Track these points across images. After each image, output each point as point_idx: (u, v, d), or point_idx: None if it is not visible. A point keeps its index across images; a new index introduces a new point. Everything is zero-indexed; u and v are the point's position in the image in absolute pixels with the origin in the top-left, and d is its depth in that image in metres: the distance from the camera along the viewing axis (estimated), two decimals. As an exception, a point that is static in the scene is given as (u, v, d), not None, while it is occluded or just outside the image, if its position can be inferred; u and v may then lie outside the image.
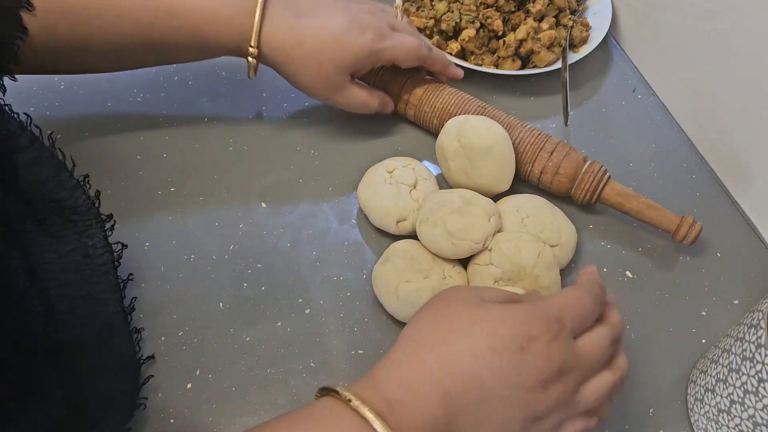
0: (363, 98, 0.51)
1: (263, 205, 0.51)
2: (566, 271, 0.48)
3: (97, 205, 0.39)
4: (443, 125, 0.51)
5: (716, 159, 0.54)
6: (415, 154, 0.55)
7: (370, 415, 0.28)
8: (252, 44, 0.47)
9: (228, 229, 0.49)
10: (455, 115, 0.53)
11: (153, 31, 0.46)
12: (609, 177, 0.50)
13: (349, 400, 0.29)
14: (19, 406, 0.30)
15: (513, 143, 0.50)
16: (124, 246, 0.41)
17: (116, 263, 0.40)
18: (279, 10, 0.47)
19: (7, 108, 0.36)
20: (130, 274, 0.42)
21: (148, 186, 0.52)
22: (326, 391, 0.31)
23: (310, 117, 0.58)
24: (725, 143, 0.53)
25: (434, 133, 0.54)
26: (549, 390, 0.31)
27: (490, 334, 0.30)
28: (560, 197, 0.51)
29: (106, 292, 0.39)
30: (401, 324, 0.44)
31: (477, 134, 0.47)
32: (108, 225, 0.40)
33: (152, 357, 0.42)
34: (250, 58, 0.48)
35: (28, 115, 0.37)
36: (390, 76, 0.55)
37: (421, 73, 0.56)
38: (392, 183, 0.48)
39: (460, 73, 0.55)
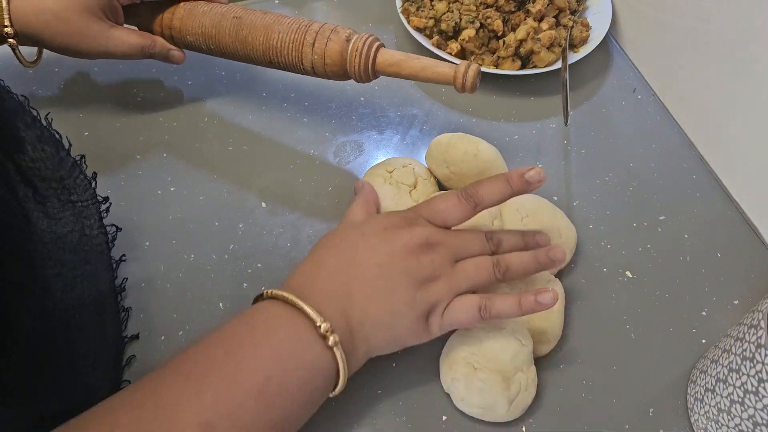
0: (132, 40, 0.50)
1: (263, 204, 0.51)
2: (566, 271, 0.48)
3: (93, 185, 0.41)
4: (216, 49, 0.52)
5: (716, 159, 0.54)
6: (415, 153, 0.55)
7: (275, 291, 0.35)
8: (5, 24, 0.45)
9: (228, 229, 0.49)
10: (215, 37, 0.51)
11: None
12: (378, 47, 0.48)
13: (267, 292, 0.35)
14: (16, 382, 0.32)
15: (276, 47, 0.49)
16: (119, 229, 0.44)
17: (110, 244, 0.42)
18: None
19: (8, 88, 0.38)
20: (123, 255, 0.44)
21: (148, 186, 0.52)
22: (255, 299, 0.37)
23: (310, 117, 0.58)
24: (725, 143, 0.53)
25: (222, 54, 0.54)
26: (421, 256, 0.37)
27: (362, 225, 0.40)
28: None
29: (101, 271, 0.41)
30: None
31: (465, 163, 0.46)
32: (104, 207, 0.42)
33: (137, 336, 0.43)
34: (10, 40, 0.46)
35: (25, 97, 0.39)
36: (147, 13, 0.54)
37: (179, 3, 0.54)
38: (392, 183, 0.48)
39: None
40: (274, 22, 0.50)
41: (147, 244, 0.48)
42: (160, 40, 0.53)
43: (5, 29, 0.45)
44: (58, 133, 0.40)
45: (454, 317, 0.38)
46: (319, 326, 0.33)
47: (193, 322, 0.44)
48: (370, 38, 0.48)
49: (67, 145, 0.40)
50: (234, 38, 0.51)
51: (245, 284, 0.46)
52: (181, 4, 0.54)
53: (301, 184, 0.53)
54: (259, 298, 0.37)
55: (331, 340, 0.33)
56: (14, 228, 0.34)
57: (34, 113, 0.39)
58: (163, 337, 0.43)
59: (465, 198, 0.40)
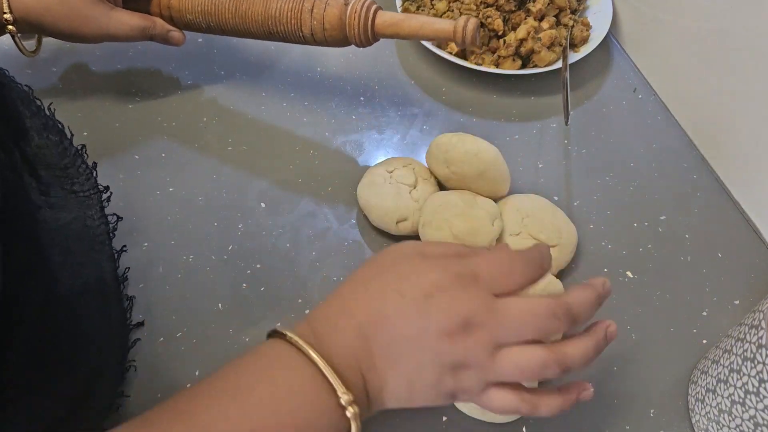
0: (134, 21, 0.51)
1: (263, 205, 0.51)
2: (566, 272, 0.47)
3: (94, 175, 0.42)
4: (216, 26, 0.52)
5: (717, 159, 0.54)
6: (415, 153, 0.55)
7: (300, 342, 0.31)
8: (5, 10, 0.45)
9: (227, 230, 0.49)
10: (215, 14, 0.52)
11: None
12: (376, 9, 0.49)
13: (285, 335, 0.31)
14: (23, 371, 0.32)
15: (275, 17, 0.50)
16: (119, 218, 0.44)
17: (111, 234, 0.42)
18: None
19: (13, 78, 0.38)
20: (124, 246, 0.44)
21: (147, 186, 0.52)
22: (271, 334, 0.33)
23: (310, 117, 0.58)
24: (726, 143, 0.53)
25: (217, 33, 0.55)
26: (455, 340, 0.31)
27: (400, 280, 0.32)
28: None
29: (104, 260, 0.40)
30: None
31: (466, 163, 0.46)
32: (105, 196, 0.42)
33: (141, 323, 0.43)
34: (9, 27, 0.46)
35: (29, 87, 0.39)
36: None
37: None
38: (392, 183, 0.48)
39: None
40: None
41: (146, 244, 0.48)
42: (159, 21, 0.53)
43: (5, 15, 0.45)
44: (60, 123, 0.40)
45: (489, 408, 0.33)
46: (341, 398, 0.30)
47: (192, 324, 0.44)
48: (368, 1, 0.48)
49: (69, 135, 0.40)
50: (233, 13, 0.52)
51: (244, 285, 0.46)
52: None
53: (301, 184, 0.52)
54: (275, 334, 0.33)
55: (350, 412, 0.30)
56: (22, 214, 0.34)
57: (39, 103, 0.39)
58: (162, 339, 0.43)
59: (529, 265, 0.33)
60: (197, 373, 0.42)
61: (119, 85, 0.59)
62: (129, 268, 0.44)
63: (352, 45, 0.51)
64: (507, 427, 0.40)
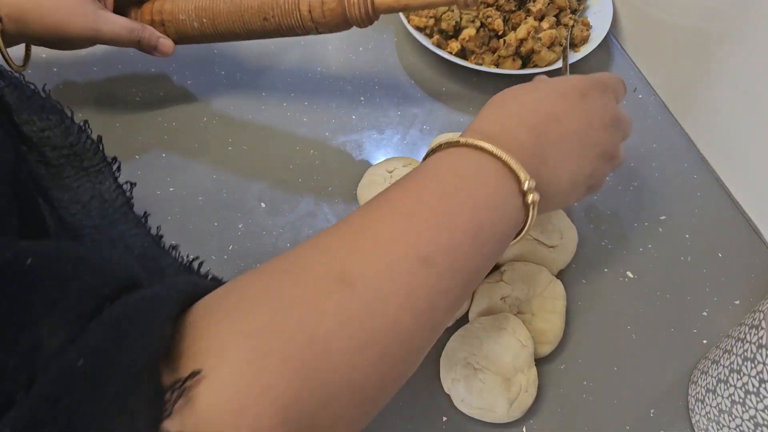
0: (123, 22, 0.50)
1: (263, 205, 0.51)
2: (566, 272, 0.47)
3: (101, 148, 0.41)
4: (209, 23, 0.52)
5: (717, 159, 0.54)
6: (415, 153, 0.55)
7: (476, 141, 0.33)
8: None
9: (227, 230, 0.49)
10: (208, 8, 0.51)
11: None
12: None
13: (458, 142, 0.34)
14: None
15: (270, 5, 0.49)
16: (133, 184, 0.42)
17: (131, 202, 0.41)
18: None
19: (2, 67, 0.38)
20: (145, 212, 0.42)
21: (147, 186, 0.52)
22: (432, 151, 0.35)
23: (309, 116, 0.58)
24: (726, 143, 0.53)
25: (208, 35, 0.54)
26: (610, 133, 0.38)
27: (557, 86, 0.38)
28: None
29: (133, 229, 0.40)
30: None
31: None
32: (114, 166, 0.41)
33: (200, 261, 0.41)
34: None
35: (22, 75, 0.39)
36: (137, 6, 0.54)
37: None
38: (392, 183, 0.48)
39: None
40: None
41: (160, 225, 0.48)
42: (149, 27, 0.53)
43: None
44: (58, 102, 0.40)
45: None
46: (524, 183, 0.32)
47: (192, 323, 0.44)
48: None
49: (69, 113, 0.40)
50: (229, 4, 0.51)
51: (426, 153, 0.46)
52: None
53: (301, 184, 0.52)
54: (439, 148, 0.35)
55: (530, 198, 0.33)
56: (38, 218, 0.33)
57: (32, 87, 0.39)
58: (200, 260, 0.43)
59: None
60: (197, 373, 0.42)
61: (119, 86, 0.59)
62: (160, 226, 0.42)
63: (352, 26, 0.50)
64: (507, 427, 0.40)
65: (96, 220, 0.37)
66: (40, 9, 0.47)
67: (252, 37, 0.53)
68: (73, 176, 0.38)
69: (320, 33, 0.51)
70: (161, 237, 0.42)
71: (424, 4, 0.48)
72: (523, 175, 0.32)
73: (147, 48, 0.53)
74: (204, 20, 0.53)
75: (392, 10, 0.48)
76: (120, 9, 0.53)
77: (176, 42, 0.54)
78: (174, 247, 0.42)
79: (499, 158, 0.33)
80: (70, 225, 0.36)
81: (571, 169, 0.36)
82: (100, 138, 0.41)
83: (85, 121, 0.41)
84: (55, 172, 0.37)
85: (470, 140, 0.33)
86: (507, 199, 0.32)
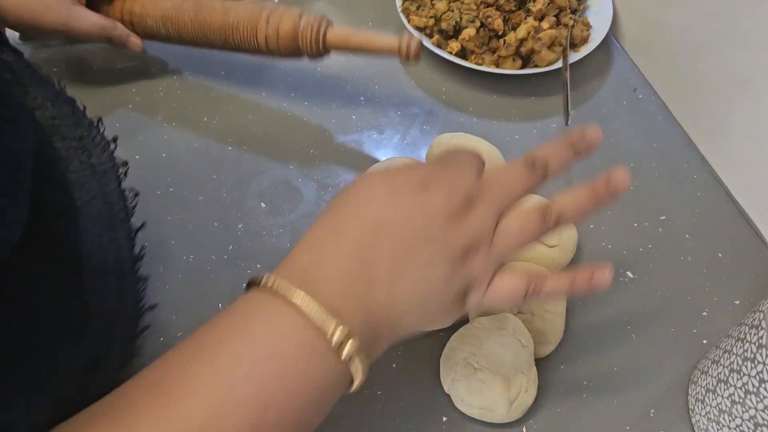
0: (95, 19, 0.52)
1: (263, 205, 0.51)
2: (567, 272, 0.47)
3: (113, 147, 0.40)
4: (174, 32, 0.54)
5: (717, 158, 0.54)
6: (415, 153, 0.55)
7: (274, 281, 0.28)
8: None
9: (227, 229, 0.49)
10: (174, 18, 0.54)
11: None
12: (328, 23, 0.52)
13: (260, 281, 0.29)
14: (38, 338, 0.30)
15: (232, 24, 0.52)
16: (137, 193, 0.41)
17: (131, 212, 0.40)
18: None
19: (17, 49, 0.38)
20: (144, 223, 0.41)
21: (147, 186, 0.51)
22: (249, 284, 0.30)
23: (309, 116, 0.58)
24: (726, 143, 0.53)
25: (174, 41, 0.56)
26: (461, 221, 0.30)
27: (386, 183, 0.31)
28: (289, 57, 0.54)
29: (122, 239, 0.39)
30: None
31: None
32: (122, 171, 0.40)
33: (154, 306, 0.41)
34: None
35: (36, 63, 0.39)
36: (107, 3, 0.55)
37: None
38: (392, 183, 0.48)
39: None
40: (232, 4, 0.54)
41: (146, 244, 0.48)
42: (120, 24, 0.54)
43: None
44: (71, 96, 0.40)
45: (497, 298, 0.31)
46: (331, 337, 0.26)
47: (192, 323, 0.44)
48: (321, 15, 0.52)
49: (82, 107, 0.39)
50: (193, 19, 0.54)
51: (245, 285, 0.46)
52: None
53: (301, 184, 0.52)
54: (254, 284, 0.30)
55: (346, 350, 0.27)
56: (54, 169, 0.33)
57: (47, 75, 0.39)
58: (162, 339, 0.43)
59: (530, 168, 0.33)
60: (197, 373, 0.42)
61: (119, 85, 0.59)
62: (146, 244, 0.42)
63: (305, 57, 0.53)
64: (508, 428, 0.40)
65: (91, 221, 0.36)
66: (14, 1, 0.48)
67: (215, 49, 0.56)
68: (79, 171, 0.37)
69: (276, 57, 0.55)
70: (141, 257, 0.40)
71: (370, 49, 0.51)
72: (327, 325, 0.26)
73: (117, 45, 0.55)
74: (170, 29, 0.55)
75: (341, 49, 0.52)
76: (92, 3, 0.55)
77: (144, 39, 0.57)
78: (144, 279, 0.41)
79: (298, 310, 0.27)
80: (73, 205, 0.35)
81: (413, 281, 0.29)
82: (115, 138, 0.41)
83: (99, 119, 0.40)
84: (62, 164, 0.36)
85: (267, 278, 0.28)
86: (311, 360, 0.26)
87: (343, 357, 0.27)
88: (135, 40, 0.55)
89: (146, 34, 0.56)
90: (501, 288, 0.31)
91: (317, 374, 0.27)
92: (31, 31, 0.52)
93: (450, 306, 0.30)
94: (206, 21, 0.54)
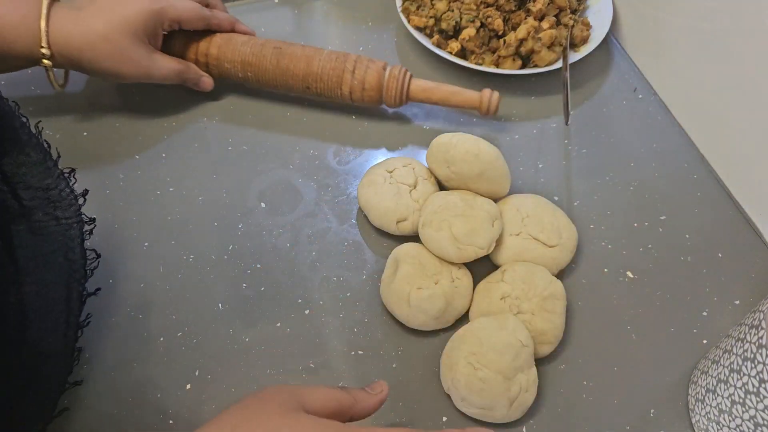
0: (172, 65, 0.53)
1: (262, 205, 0.51)
2: (566, 272, 0.47)
3: (81, 202, 0.39)
4: (253, 77, 0.55)
5: (717, 159, 0.54)
6: (415, 154, 0.55)
7: None
8: (42, 45, 0.46)
9: (227, 229, 0.49)
10: (254, 64, 0.55)
11: None
12: (411, 76, 0.54)
13: None
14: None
15: (316, 74, 0.54)
16: (98, 255, 0.41)
17: (88, 272, 0.39)
18: (63, 10, 0.47)
19: None
20: (98, 288, 0.41)
21: (147, 186, 0.52)
22: None
23: (310, 116, 0.58)
24: (726, 143, 0.53)
25: (251, 83, 0.57)
26: None
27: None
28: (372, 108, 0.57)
29: (74, 300, 0.38)
30: (402, 325, 0.44)
31: (467, 163, 0.46)
32: (88, 228, 0.39)
33: (79, 383, 0.40)
34: (44, 61, 0.46)
35: (16, 103, 0.38)
36: (183, 41, 0.56)
37: (215, 34, 0.56)
38: (392, 183, 0.48)
39: (251, 30, 0.57)
40: (315, 53, 0.54)
41: (146, 244, 0.48)
42: (193, 66, 0.55)
43: (41, 50, 0.45)
44: (47, 142, 0.38)
45: None
46: None
47: (192, 323, 0.44)
48: (404, 68, 0.54)
49: (55, 156, 0.38)
50: (275, 66, 0.54)
51: (245, 285, 0.46)
52: (218, 34, 0.56)
53: (301, 184, 0.52)
54: None
55: None
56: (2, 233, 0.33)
57: (24, 119, 0.38)
58: (162, 338, 0.43)
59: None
60: (197, 372, 0.42)
61: (120, 85, 0.59)
62: (91, 314, 0.41)
63: (382, 105, 0.56)
64: (508, 428, 0.40)
65: (48, 273, 0.36)
66: (92, 53, 0.48)
67: (293, 94, 0.57)
68: (43, 220, 0.36)
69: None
70: (85, 325, 0.40)
71: (451, 104, 0.54)
72: None
73: (189, 85, 0.56)
74: (249, 74, 0.55)
75: (422, 102, 0.55)
76: (167, 45, 0.55)
77: (219, 78, 0.57)
78: (79, 350, 0.40)
79: None
80: (22, 269, 0.34)
81: None
82: (85, 192, 0.40)
83: (72, 169, 0.40)
84: (24, 212, 0.36)
85: None
86: None
87: None
88: (207, 80, 0.56)
89: (221, 75, 0.57)
90: None
91: None
92: (106, 79, 0.52)
93: None
94: (288, 68, 0.54)
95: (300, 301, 0.46)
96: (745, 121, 0.50)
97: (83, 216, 0.39)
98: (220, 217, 0.50)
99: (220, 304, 0.45)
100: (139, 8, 0.49)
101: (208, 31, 0.56)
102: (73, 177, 0.39)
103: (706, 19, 0.52)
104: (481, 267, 0.46)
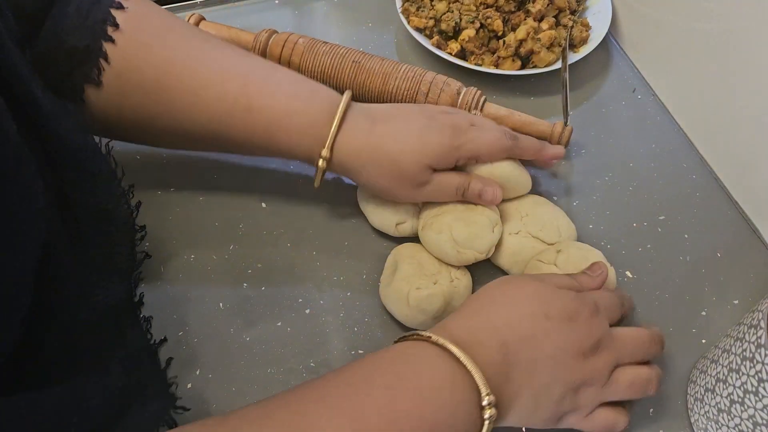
0: (453, 181, 0.45)
1: (263, 205, 0.51)
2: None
3: (135, 215, 0.43)
4: (331, 85, 0.53)
5: (716, 159, 0.54)
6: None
7: (447, 343, 0.33)
8: (324, 152, 0.43)
9: (228, 229, 0.49)
10: (333, 78, 0.54)
11: (225, 125, 0.43)
12: (485, 100, 0.53)
13: (429, 337, 0.34)
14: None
15: (391, 93, 0.53)
16: (148, 256, 0.45)
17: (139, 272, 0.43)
18: (357, 119, 0.44)
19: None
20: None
21: (147, 186, 0.52)
22: (403, 338, 0.36)
23: (310, 117, 0.58)
24: (725, 143, 0.53)
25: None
26: (587, 360, 0.36)
27: (547, 304, 0.37)
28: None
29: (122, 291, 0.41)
30: (402, 325, 0.44)
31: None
32: (138, 236, 0.43)
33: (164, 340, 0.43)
34: (320, 162, 0.43)
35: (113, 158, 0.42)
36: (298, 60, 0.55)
37: (298, 39, 0.56)
38: (392, 183, 0.48)
39: (561, 151, 0.50)
40: (392, 70, 0.54)
41: (147, 244, 0.48)
42: (474, 177, 0.46)
43: (321, 151, 0.43)
44: (115, 160, 0.42)
45: (592, 427, 0.37)
46: (484, 399, 0.32)
47: (192, 323, 0.44)
48: (478, 92, 0.53)
49: (121, 174, 0.41)
50: (352, 80, 0.54)
51: (245, 284, 0.46)
52: (300, 39, 0.55)
53: (302, 185, 0.52)
54: (406, 338, 0.36)
55: (487, 413, 0.33)
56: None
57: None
58: (163, 338, 0.43)
59: (659, 341, 0.40)
60: (197, 372, 0.42)
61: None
62: (147, 244, 0.45)
63: None
64: (507, 427, 0.40)
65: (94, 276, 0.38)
66: (375, 170, 0.44)
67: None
68: (91, 230, 0.39)
69: None
70: (142, 303, 0.44)
71: (524, 133, 0.51)
72: (484, 390, 0.33)
73: (470, 199, 0.46)
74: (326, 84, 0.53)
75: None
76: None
77: None
78: (147, 319, 0.44)
79: (464, 367, 0.33)
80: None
81: (534, 393, 0.35)
82: (139, 204, 0.44)
83: (131, 186, 0.43)
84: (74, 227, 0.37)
85: (441, 341, 0.34)
86: (463, 408, 0.33)
87: (486, 416, 0.33)
88: (491, 191, 0.45)
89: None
90: (599, 420, 0.37)
91: (464, 420, 0.33)
92: (377, 193, 0.47)
93: (549, 419, 0.36)
94: (365, 84, 0.54)
95: (300, 300, 0.46)
96: (744, 122, 0.50)
97: (136, 226, 0.43)
98: (221, 216, 0.50)
99: (220, 304, 0.45)
100: (438, 142, 0.44)
101: (291, 35, 0.56)
102: (131, 193, 0.43)
103: (706, 19, 0.52)
104: (481, 267, 0.46)
